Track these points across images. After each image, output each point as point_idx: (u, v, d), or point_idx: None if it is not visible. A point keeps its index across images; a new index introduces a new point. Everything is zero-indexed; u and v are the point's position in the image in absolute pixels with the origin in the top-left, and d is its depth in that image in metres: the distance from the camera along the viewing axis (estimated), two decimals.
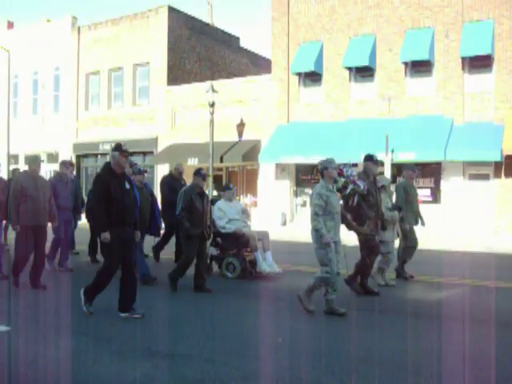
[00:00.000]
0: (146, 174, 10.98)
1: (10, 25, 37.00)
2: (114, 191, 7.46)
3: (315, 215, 7.56)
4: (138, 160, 28.84)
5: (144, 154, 29.04)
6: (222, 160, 24.05)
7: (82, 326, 7.40)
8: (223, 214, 10.74)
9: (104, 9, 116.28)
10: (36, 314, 8.06)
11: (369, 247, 8.94)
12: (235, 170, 26.54)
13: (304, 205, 24.20)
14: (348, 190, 8.52)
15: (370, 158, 9.18)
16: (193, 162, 24.40)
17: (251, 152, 24.03)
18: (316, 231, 7.54)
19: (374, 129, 21.50)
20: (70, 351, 6.24)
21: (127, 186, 7.76)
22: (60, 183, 11.35)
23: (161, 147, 27.79)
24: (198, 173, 9.61)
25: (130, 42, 29.85)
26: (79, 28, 32.22)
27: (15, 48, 33.36)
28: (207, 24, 32.34)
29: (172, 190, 11.71)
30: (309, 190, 24.22)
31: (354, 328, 7.24)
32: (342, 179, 8.41)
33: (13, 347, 6.47)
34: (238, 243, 10.66)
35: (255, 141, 24.78)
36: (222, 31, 33.18)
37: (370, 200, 8.80)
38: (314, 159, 21.72)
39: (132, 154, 28.70)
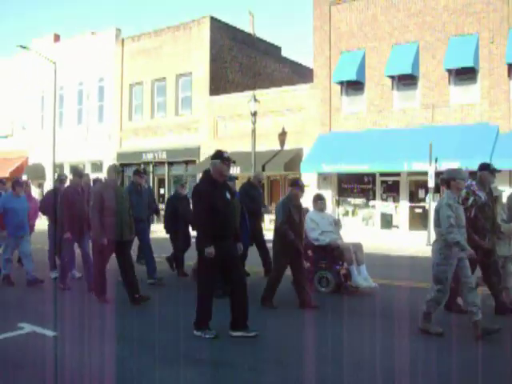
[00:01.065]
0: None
1: (57, 38, 37.78)
2: (216, 202, 7.04)
3: (451, 227, 6.93)
4: (180, 169, 29.24)
5: (186, 163, 29.27)
6: (263, 169, 24.05)
7: (127, 332, 7.48)
8: (316, 226, 10.27)
9: (147, 21, 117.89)
10: (82, 320, 8.16)
11: (489, 264, 8.26)
12: (277, 179, 26.53)
13: (346, 214, 24.07)
14: (470, 202, 8.04)
15: (486, 167, 8.44)
16: (235, 171, 24.44)
17: (293, 161, 24.00)
18: (456, 244, 6.91)
19: (417, 137, 21.24)
20: (114, 357, 6.31)
21: (228, 196, 7.36)
22: (134, 193, 10.83)
23: (203, 156, 27.95)
24: (296, 183, 9.19)
25: (172, 53, 30.17)
26: (123, 40, 32.72)
27: (61, 60, 34.04)
28: (249, 34, 32.48)
29: (251, 199, 11.48)
30: (351, 200, 24.09)
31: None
32: (464, 190, 7.84)
33: (59, 352, 6.56)
34: (332, 256, 10.14)
35: (297, 150, 24.74)
36: (264, 41, 33.29)
37: (486, 212, 8.19)
38: (357, 168, 21.68)
39: (174, 163, 29.21)
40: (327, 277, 10.14)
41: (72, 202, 10.38)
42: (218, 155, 7.44)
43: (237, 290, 7.16)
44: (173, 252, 12.59)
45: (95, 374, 5.82)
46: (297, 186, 9.11)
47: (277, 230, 9.01)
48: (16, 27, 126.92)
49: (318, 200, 10.53)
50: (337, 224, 10.76)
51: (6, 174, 36.87)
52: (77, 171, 11.09)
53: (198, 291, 7.23)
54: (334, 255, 10.08)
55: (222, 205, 7.10)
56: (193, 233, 10.89)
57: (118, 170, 9.68)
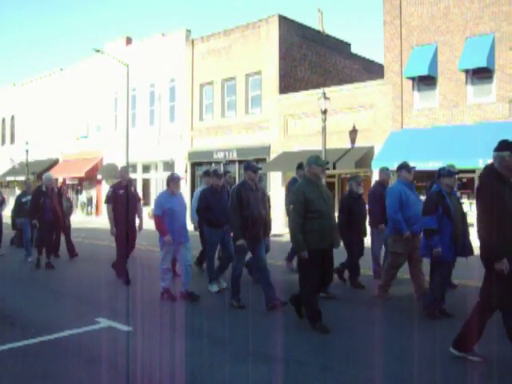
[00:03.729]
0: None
1: (129, 41, 38.64)
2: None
3: None
4: None
5: (257, 162, 29.31)
6: (334, 167, 23.87)
7: (198, 328, 7.57)
8: None
9: (216, 21, 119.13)
10: (155, 316, 8.31)
11: None
12: (348, 177, 26.28)
13: None
14: None
15: None
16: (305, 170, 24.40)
17: (364, 159, 23.71)
18: None
19: (493, 133, 20.55)
20: (186, 352, 6.40)
21: None
22: (213, 196, 10.26)
23: (273, 155, 28.00)
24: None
25: (241, 52, 30.33)
26: (193, 40, 33.11)
27: (133, 62, 34.81)
28: (318, 31, 32.29)
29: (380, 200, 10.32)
30: (423, 197, 23.59)
31: None
32: None
33: (134, 347, 6.72)
34: None
35: (368, 147, 24.43)
36: (333, 38, 33.02)
37: None
38: (430, 166, 21.21)
39: (244, 161, 29.34)
40: None
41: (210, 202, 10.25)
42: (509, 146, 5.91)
43: None
44: (348, 260, 10.85)
45: (167, 369, 5.91)
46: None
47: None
48: (90, 32, 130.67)
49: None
50: None
51: (82, 174, 38.13)
52: (215, 172, 10.59)
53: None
54: None
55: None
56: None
57: (256, 168, 8.88)
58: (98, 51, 33.58)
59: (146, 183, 36.20)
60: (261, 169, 9.12)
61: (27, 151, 41.43)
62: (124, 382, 5.57)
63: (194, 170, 32.64)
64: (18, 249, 17.24)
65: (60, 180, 39.81)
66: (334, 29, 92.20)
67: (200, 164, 32.50)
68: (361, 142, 24.86)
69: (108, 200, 11.38)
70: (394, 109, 23.92)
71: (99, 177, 38.05)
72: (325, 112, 23.63)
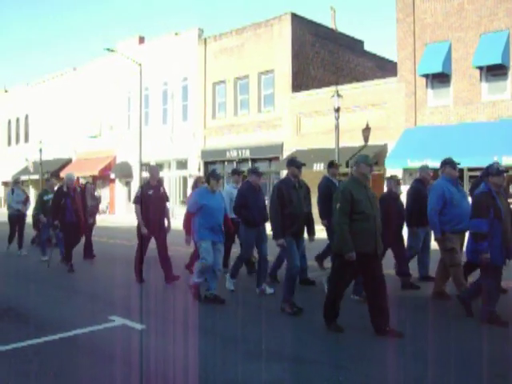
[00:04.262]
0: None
1: (141, 40, 38.74)
2: None
3: None
4: (263, 166, 29.32)
5: (269, 160, 29.35)
6: (347, 165, 23.79)
7: (211, 326, 7.56)
8: None
9: (228, 20, 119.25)
10: (168, 314, 8.31)
11: None
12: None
13: None
14: None
15: None
16: (318, 168, 24.33)
17: (378, 157, 23.62)
18: None
19: (508, 130, 20.46)
20: (199, 351, 6.40)
21: None
22: (251, 194, 9.90)
23: (286, 153, 27.96)
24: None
25: (254, 51, 30.31)
26: (205, 39, 33.13)
27: (146, 61, 34.89)
28: (331, 29, 32.21)
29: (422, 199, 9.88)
30: None
31: None
32: None
33: (145, 345, 6.73)
34: None
35: (381, 145, 24.34)
36: (346, 35, 32.92)
37: None
38: None
39: (257, 160, 29.36)
40: None
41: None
42: None
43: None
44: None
45: (180, 367, 5.91)
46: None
47: None
48: (103, 31, 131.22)
49: None
50: None
51: (96, 173, 38.27)
52: (254, 169, 10.18)
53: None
54: None
55: None
56: None
57: (299, 164, 8.55)
58: (110, 50, 33.69)
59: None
60: (304, 164, 8.75)
61: (41, 150, 41.62)
62: (137, 379, 5.57)
63: (207, 169, 32.66)
64: (38, 247, 16.87)
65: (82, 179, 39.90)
66: (346, 26, 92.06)
67: (213, 163, 32.53)
68: (374, 140, 24.77)
69: (137, 200, 11.11)
70: (408, 106, 23.82)
71: (112, 175, 38.19)
72: (338, 110, 23.57)
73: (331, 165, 11.21)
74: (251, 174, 10.09)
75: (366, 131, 25.10)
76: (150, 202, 10.89)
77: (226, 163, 31.78)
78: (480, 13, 22.08)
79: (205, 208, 8.98)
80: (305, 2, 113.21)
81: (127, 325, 7.62)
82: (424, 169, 10.93)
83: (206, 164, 32.75)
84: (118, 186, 39.34)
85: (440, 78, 23.19)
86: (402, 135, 23.41)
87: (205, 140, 32.92)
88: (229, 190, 11.71)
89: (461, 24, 22.55)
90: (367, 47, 34.78)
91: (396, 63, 25.25)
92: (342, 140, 24.13)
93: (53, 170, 42.39)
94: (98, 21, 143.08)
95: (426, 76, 23.38)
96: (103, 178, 39.72)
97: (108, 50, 33.51)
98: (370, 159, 7.45)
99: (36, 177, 43.59)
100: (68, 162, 43.72)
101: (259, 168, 10.57)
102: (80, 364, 6.05)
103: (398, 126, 24.01)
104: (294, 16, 29.07)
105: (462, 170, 22.37)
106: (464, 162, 21.04)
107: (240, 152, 30.40)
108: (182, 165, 34.22)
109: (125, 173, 37.59)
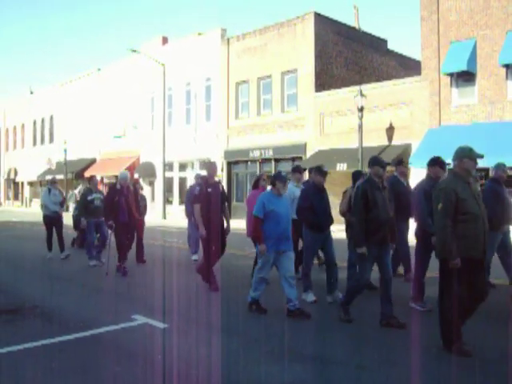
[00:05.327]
0: None
1: (165, 40, 38.93)
2: None
3: None
4: (286, 166, 29.27)
5: (293, 159, 29.29)
6: (369, 165, 23.62)
7: (234, 326, 7.56)
8: None
9: (251, 20, 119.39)
10: (191, 313, 8.35)
11: None
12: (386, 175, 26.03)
13: None
14: None
15: None
16: (341, 168, 24.26)
17: (401, 156, 23.40)
18: None
19: None
20: (221, 350, 6.40)
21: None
22: (317, 196, 9.15)
23: (309, 153, 27.89)
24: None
25: (277, 50, 30.27)
26: (228, 39, 33.18)
27: (169, 62, 35.07)
28: (354, 28, 32.07)
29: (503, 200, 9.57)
30: None
31: None
32: None
33: (167, 344, 6.76)
34: None
35: (405, 145, 24.16)
36: (369, 34, 32.74)
37: None
38: None
39: (280, 160, 29.33)
40: None
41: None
42: None
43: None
44: None
45: (203, 366, 5.92)
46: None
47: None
48: (127, 32, 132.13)
49: None
50: None
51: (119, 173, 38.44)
52: (319, 168, 9.28)
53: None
54: None
55: None
56: None
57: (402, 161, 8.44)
58: (134, 51, 33.93)
59: (182, 182, 36.40)
60: (389, 164, 8.35)
61: (65, 150, 42.04)
62: (160, 378, 5.60)
63: (230, 169, 32.73)
64: (78, 250, 16.61)
65: (106, 179, 40.27)
66: (370, 25, 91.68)
67: (236, 163, 32.59)
68: (398, 140, 24.60)
69: (196, 199, 10.26)
70: (432, 105, 23.60)
71: (136, 175, 38.42)
72: (361, 109, 23.46)
73: (400, 162, 10.58)
74: (316, 174, 9.21)
75: (390, 130, 24.93)
76: (210, 200, 10.04)
77: (248, 163, 31.80)
78: (506, 10, 21.77)
79: (272, 214, 8.13)
80: (328, 1, 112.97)
81: (150, 323, 7.67)
82: (500, 167, 10.15)
83: (229, 164, 32.79)
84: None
85: (465, 77, 22.93)
86: (426, 134, 23.20)
87: (228, 140, 32.96)
88: (290, 188, 10.15)
89: (486, 21, 22.27)
90: (391, 46, 34.60)
91: (420, 62, 25.04)
92: (366, 140, 24.01)
93: (77, 170, 42.85)
94: (123, 22, 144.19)
95: (451, 74, 23.14)
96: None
97: (132, 50, 33.78)
98: (474, 153, 6.78)
99: (61, 176, 44.00)
100: (92, 161, 44.12)
101: (324, 166, 9.46)
102: (103, 362, 6.09)
103: (422, 125, 23.80)
104: (317, 15, 28.98)
105: (487, 170, 22.14)
106: (490, 162, 20.85)
107: (263, 152, 30.39)
108: (205, 165, 34.29)
109: (148, 172, 37.80)
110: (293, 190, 10.26)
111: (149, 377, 5.65)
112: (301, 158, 28.51)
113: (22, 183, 56.32)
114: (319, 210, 8.95)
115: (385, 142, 24.98)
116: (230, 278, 11.19)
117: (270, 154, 30.05)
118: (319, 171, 9.14)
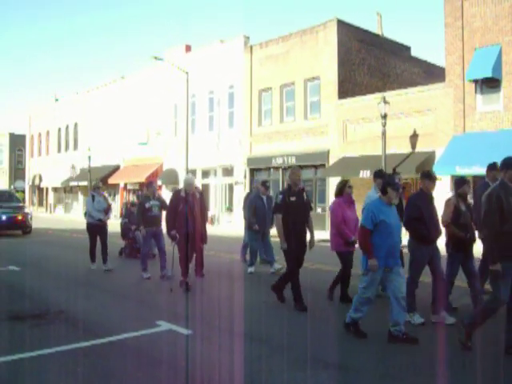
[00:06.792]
0: None
1: (188, 48, 39.15)
2: None
3: None
4: (309, 173, 29.23)
5: (316, 167, 29.24)
6: (394, 172, 23.49)
7: (258, 334, 7.53)
8: None
9: (274, 27, 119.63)
10: (215, 319, 8.33)
11: None
12: (408, 183, 25.85)
13: None
14: None
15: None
16: (365, 175, 24.15)
17: (425, 164, 23.24)
18: None
19: None
20: (245, 357, 6.40)
21: None
22: (426, 204, 8.31)
23: (332, 160, 27.82)
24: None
25: (300, 58, 30.28)
26: (251, 47, 33.27)
27: (192, 69, 35.23)
28: (377, 35, 31.97)
29: None
30: None
31: None
32: None
33: (191, 350, 6.77)
34: None
35: (429, 152, 23.97)
36: (392, 41, 32.62)
37: None
38: None
39: (303, 167, 29.34)
40: None
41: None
42: None
43: None
44: None
45: (226, 373, 5.92)
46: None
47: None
48: (150, 40, 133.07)
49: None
50: None
51: (143, 179, 38.77)
52: (429, 173, 8.60)
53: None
54: None
55: None
56: None
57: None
58: (158, 59, 34.16)
59: (205, 188, 36.51)
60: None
61: (89, 157, 42.41)
62: None
63: (253, 176, 32.74)
64: (127, 260, 16.27)
65: (130, 185, 40.50)
66: (393, 32, 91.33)
67: (259, 170, 32.59)
68: (422, 147, 24.42)
69: (277, 209, 9.32)
70: (456, 112, 23.41)
71: (159, 182, 38.61)
72: (385, 116, 23.33)
73: (493, 167, 9.39)
74: (424, 179, 8.44)
75: (414, 138, 24.77)
76: (293, 210, 9.14)
77: (271, 170, 31.80)
78: None
79: (382, 225, 7.20)
80: (351, 8, 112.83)
81: (173, 330, 7.69)
82: None
83: (252, 171, 32.81)
84: (165, 193, 39.73)
85: (490, 83, 22.71)
86: (451, 141, 23.01)
87: (251, 147, 33.00)
88: (372, 196, 9.28)
89: None
90: (414, 52, 34.42)
91: (444, 68, 24.88)
92: (389, 147, 23.89)
93: (101, 177, 43.20)
94: (147, 30, 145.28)
95: (475, 81, 22.93)
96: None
97: (155, 58, 33.99)
98: None
99: (85, 183, 44.46)
100: (116, 168, 44.46)
101: (433, 172, 8.74)
102: (127, 367, 6.13)
103: (446, 132, 23.61)
104: (340, 22, 28.94)
105: None
106: None
107: (286, 159, 30.37)
108: (228, 172, 34.37)
109: (172, 179, 37.96)
110: (376, 197, 9.00)
111: (172, 383, 5.67)
112: (324, 165, 28.45)
113: (47, 189, 56.93)
114: (429, 219, 8.12)
115: (408, 150, 24.83)
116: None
117: (292, 161, 30.01)
118: (429, 177, 8.40)
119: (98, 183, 15.83)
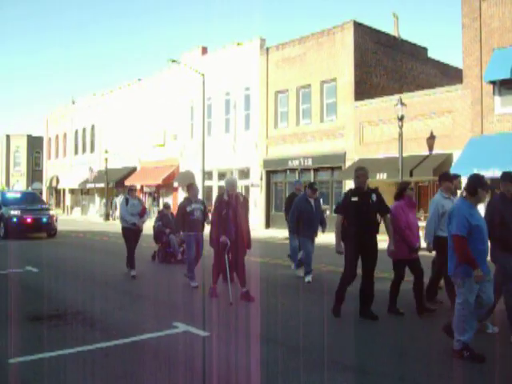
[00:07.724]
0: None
1: (204, 50, 39.21)
2: None
3: None
4: (326, 175, 29.17)
5: (332, 169, 29.17)
6: (411, 174, 23.39)
7: (274, 335, 7.53)
8: None
9: (290, 29, 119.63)
10: (231, 321, 8.37)
11: None
12: (425, 185, 25.73)
13: None
14: None
15: None
16: (381, 177, 24.07)
17: (442, 166, 23.07)
18: None
19: None
20: (261, 359, 6.39)
21: None
22: (508, 208, 7.54)
23: (349, 162, 27.73)
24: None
25: (316, 60, 30.24)
26: (267, 49, 33.27)
27: (209, 71, 35.31)
28: (393, 36, 31.83)
29: None
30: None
31: None
32: None
33: (208, 351, 6.79)
34: None
35: (446, 154, 23.83)
36: (409, 43, 32.47)
37: None
38: None
39: (319, 169, 29.23)
40: None
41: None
42: None
43: None
44: None
45: (243, 374, 5.93)
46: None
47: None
48: (167, 43, 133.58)
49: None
50: None
51: (159, 182, 38.99)
52: (508, 175, 7.79)
53: None
54: None
55: None
56: None
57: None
58: (174, 61, 34.30)
59: (221, 190, 36.53)
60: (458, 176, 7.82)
61: (106, 160, 42.65)
62: None
63: (269, 178, 32.74)
64: (160, 264, 15.90)
65: (146, 188, 40.65)
66: (409, 33, 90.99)
67: (275, 172, 32.57)
68: (439, 149, 24.28)
69: (339, 209, 8.89)
70: (474, 114, 23.24)
71: (175, 184, 38.72)
72: (401, 118, 23.22)
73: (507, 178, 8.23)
74: (505, 182, 7.68)
75: (431, 140, 24.63)
76: (355, 211, 8.52)
77: (287, 172, 31.77)
78: None
79: (476, 231, 6.49)
80: (367, 10, 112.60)
81: (190, 331, 7.70)
82: None
83: (268, 173, 32.80)
84: (181, 195, 39.83)
85: (508, 85, 22.50)
86: (468, 143, 22.84)
87: (267, 149, 32.99)
88: (439, 200, 8.95)
89: None
90: (431, 54, 34.24)
91: (461, 70, 24.71)
92: (406, 149, 23.78)
93: (118, 179, 43.46)
94: (163, 33, 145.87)
95: (493, 82, 22.74)
96: (166, 186, 40.31)
97: (172, 61, 34.13)
98: None
99: (101, 185, 44.74)
100: (132, 170, 44.67)
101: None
102: (144, 368, 6.14)
103: (463, 134, 23.45)
104: (357, 24, 28.87)
105: None
106: None
107: (302, 161, 30.33)
108: (244, 174, 34.39)
109: (188, 181, 38.00)
110: (442, 202, 8.91)
111: None
112: (340, 167, 28.38)
113: (64, 191, 57.30)
114: (511, 223, 7.27)
115: (425, 152, 24.69)
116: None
117: (309, 163, 29.97)
118: (509, 178, 7.64)
119: (133, 186, 15.22)
